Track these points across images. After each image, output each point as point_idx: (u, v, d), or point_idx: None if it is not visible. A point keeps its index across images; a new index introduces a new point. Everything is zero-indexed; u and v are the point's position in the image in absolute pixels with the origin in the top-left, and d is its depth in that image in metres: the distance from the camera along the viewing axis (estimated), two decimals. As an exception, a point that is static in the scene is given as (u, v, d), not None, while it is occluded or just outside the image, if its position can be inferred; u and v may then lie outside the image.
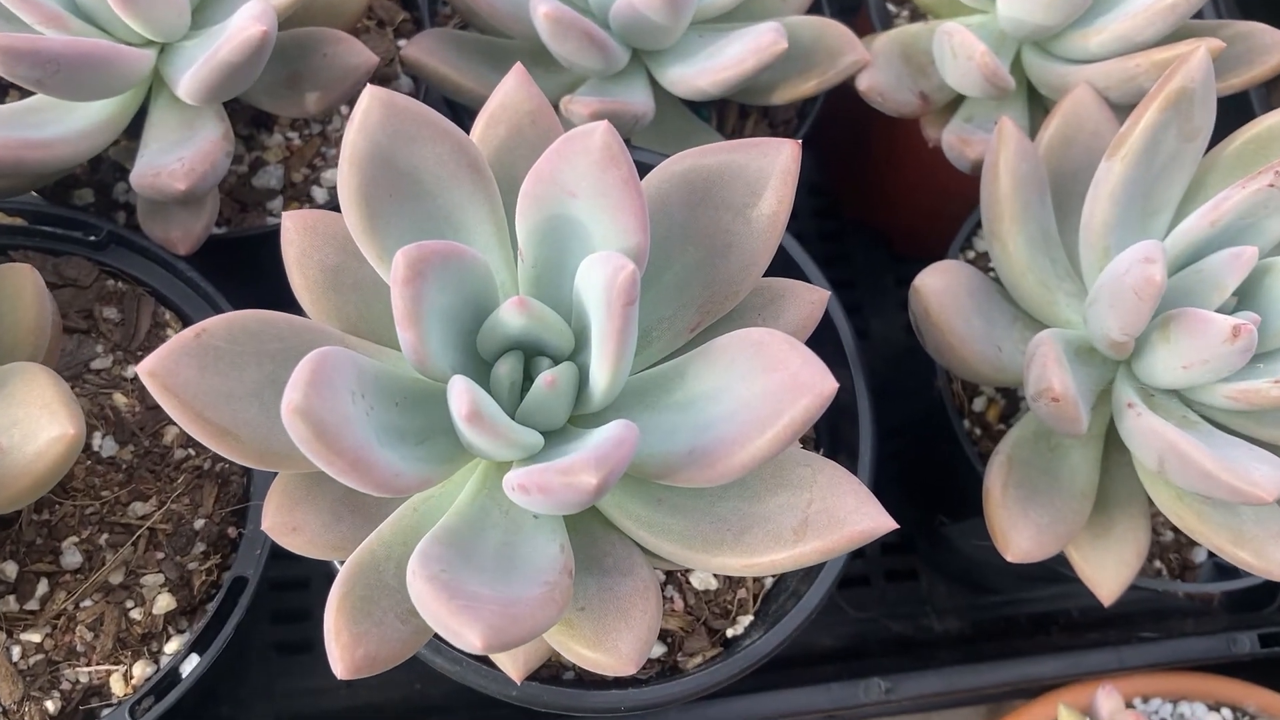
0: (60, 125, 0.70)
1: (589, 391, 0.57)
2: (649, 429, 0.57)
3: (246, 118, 0.82)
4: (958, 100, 0.83)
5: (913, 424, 0.87)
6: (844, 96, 0.87)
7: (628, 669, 0.55)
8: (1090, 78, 0.76)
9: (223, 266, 0.76)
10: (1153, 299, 0.61)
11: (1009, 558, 0.68)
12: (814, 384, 0.51)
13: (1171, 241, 0.68)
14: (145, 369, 0.53)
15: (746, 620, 0.72)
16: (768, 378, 0.53)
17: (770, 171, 0.58)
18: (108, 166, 0.80)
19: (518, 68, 0.61)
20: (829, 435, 0.77)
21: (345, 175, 0.55)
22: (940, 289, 0.69)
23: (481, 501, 0.59)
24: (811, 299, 0.62)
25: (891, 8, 0.92)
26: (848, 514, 0.55)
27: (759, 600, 0.73)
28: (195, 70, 0.66)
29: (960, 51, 0.74)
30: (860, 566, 1.02)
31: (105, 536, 0.68)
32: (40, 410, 0.55)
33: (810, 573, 0.73)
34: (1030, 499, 0.70)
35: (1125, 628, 0.99)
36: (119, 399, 0.72)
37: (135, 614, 0.68)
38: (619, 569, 0.59)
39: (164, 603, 0.68)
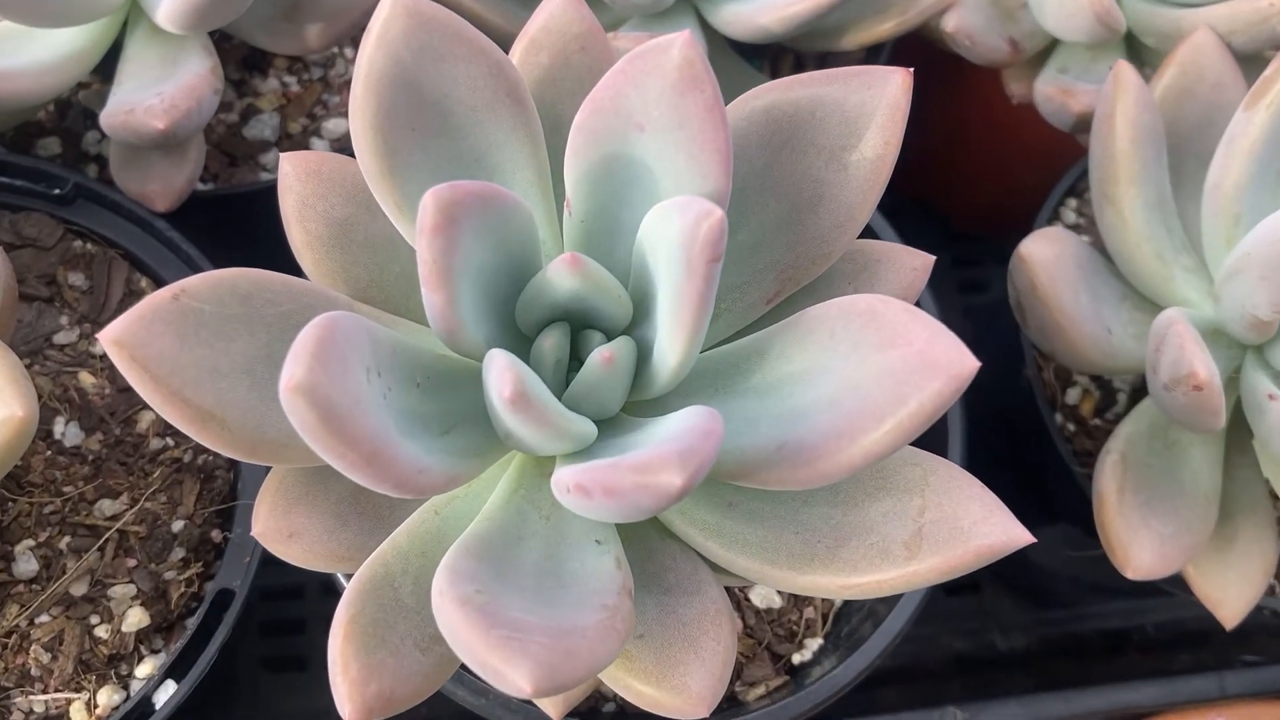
0: (21, 56, 0.60)
1: (650, 372, 0.47)
2: (724, 418, 0.47)
3: (237, 59, 0.72)
4: (1047, 51, 0.74)
5: (986, 419, 0.77)
6: (904, 52, 0.77)
7: (699, 711, 0.45)
8: (1211, 20, 0.66)
9: (207, 228, 0.65)
10: (1323, 270, 0.51)
11: (1129, 574, 0.58)
12: (948, 362, 0.41)
13: (1318, 208, 0.58)
14: (110, 337, 0.43)
15: (815, 644, 0.62)
16: (884, 355, 0.43)
17: (874, 106, 0.48)
18: (76, 112, 0.70)
19: (564, -16, 0.51)
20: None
21: (359, 101, 0.45)
22: (1050, 259, 0.59)
23: (517, 504, 0.49)
24: (913, 265, 0.52)
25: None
26: (973, 524, 0.45)
27: (829, 621, 0.63)
28: (176, -11, 0.55)
29: (1068, -15, 0.64)
30: (915, 577, 0.92)
31: (67, 540, 0.58)
32: (-18, 387, 0.45)
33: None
34: (1150, 505, 0.60)
35: (1208, 648, 0.89)
36: (85, 379, 0.62)
37: (101, 631, 0.57)
38: (682, 588, 0.49)
39: (135, 618, 0.58)
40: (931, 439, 0.62)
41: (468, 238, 0.42)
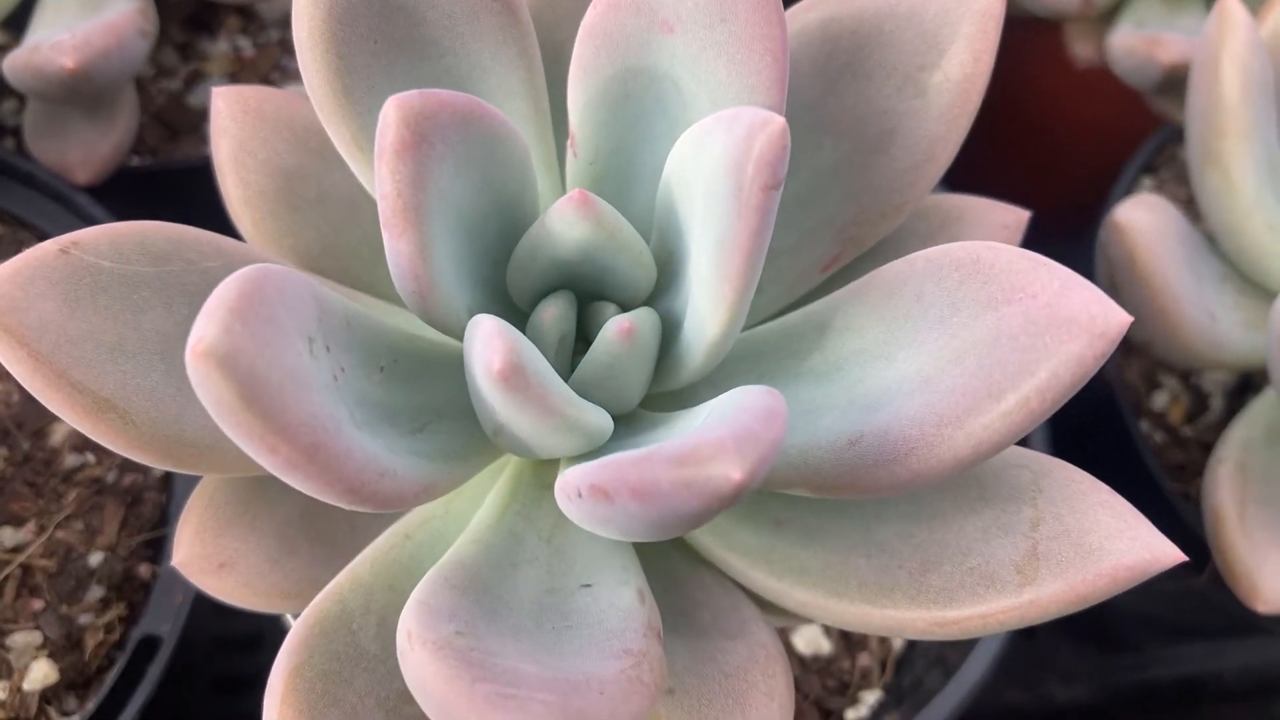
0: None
1: (680, 351, 0.37)
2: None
3: (182, 18, 0.62)
4: (1115, 8, 0.64)
5: (1055, 428, 0.66)
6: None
7: (751, 790, 0.34)
8: (1320, -45, 0.56)
9: (141, 208, 0.54)
10: None
11: (1260, 607, 0.48)
12: (1090, 317, 0.31)
13: None
14: None
15: (873, 698, 0.51)
16: (997, 314, 0.32)
17: (960, 14, 0.38)
18: (-9, 80, 0.60)
19: (566, -122, 0.42)
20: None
21: (304, 2, 0.35)
22: (1151, 228, 0.49)
23: (510, 524, 0.39)
24: (1004, 221, 0.42)
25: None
26: (1104, 539, 0.35)
27: (887, 669, 0.52)
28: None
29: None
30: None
31: (-43, 578, 0.47)
32: None
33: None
34: (1279, 523, 0.49)
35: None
36: (-12, 384, 0.51)
37: (-3, 691, 0.46)
38: (721, 629, 0.39)
39: (41, 673, 0.47)
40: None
41: (444, 166, 0.32)
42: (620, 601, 0.36)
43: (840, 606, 0.37)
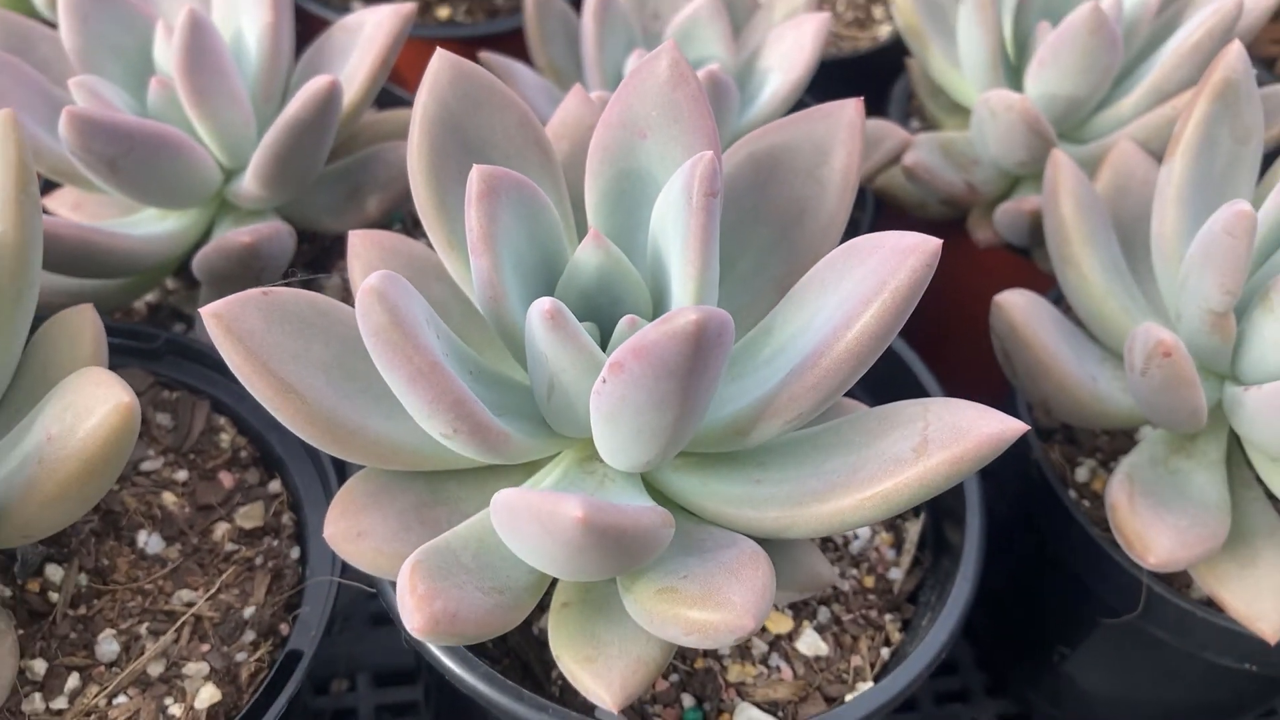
0: (131, 229, 0.71)
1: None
2: (737, 395, 0.54)
3: (305, 261, 0.83)
4: (1003, 195, 0.85)
5: (998, 537, 0.79)
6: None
7: (745, 621, 0.48)
8: (1129, 134, 0.77)
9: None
10: (1247, 234, 0.58)
11: (1151, 562, 0.61)
12: (916, 245, 0.48)
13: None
14: (210, 310, 0.51)
15: (866, 687, 0.63)
16: (864, 265, 0.50)
17: (836, 129, 0.58)
18: (165, 314, 0.81)
19: (576, 88, 0.63)
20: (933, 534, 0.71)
21: (416, 142, 0.55)
22: (1025, 304, 0.67)
23: (565, 488, 0.54)
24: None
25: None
26: (971, 423, 0.50)
27: (877, 669, 0.64)
28: (264, 141, 0.67)
29: (999, 106, 0.76)
30: (976, 743, 0.90)
31: (146, 626, 0.62)
32: (92, 387, 0.52)
33: (924, 631, 0.65)
34: (1162, 508, 0.63)
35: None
36: (168, 498, 0.68)
37: (174, 710, 0.60)
38: (719, 544, 0.53)
39: (207, 695, 0.60)
40: (952, 519, 0.67)
41: (507, 211, 0.51)
42: (644, 505, 0.51)
43: (799, 512, 0.51)
